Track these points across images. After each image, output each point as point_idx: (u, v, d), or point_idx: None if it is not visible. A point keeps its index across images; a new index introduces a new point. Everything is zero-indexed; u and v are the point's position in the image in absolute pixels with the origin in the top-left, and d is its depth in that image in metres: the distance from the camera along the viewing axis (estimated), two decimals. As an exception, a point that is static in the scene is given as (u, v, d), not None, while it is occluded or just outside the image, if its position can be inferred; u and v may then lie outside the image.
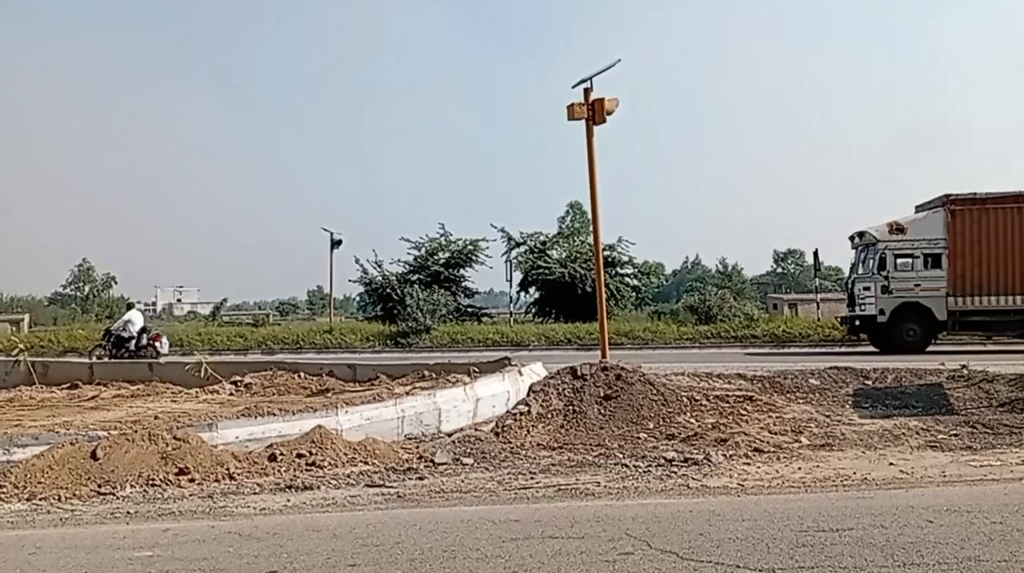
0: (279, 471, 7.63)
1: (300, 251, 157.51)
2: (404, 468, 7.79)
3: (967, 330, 22.01)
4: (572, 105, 11.68)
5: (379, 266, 37.06)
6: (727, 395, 10.43)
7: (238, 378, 14.00)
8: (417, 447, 8.77)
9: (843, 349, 24.99)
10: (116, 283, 79.63)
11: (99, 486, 7.06)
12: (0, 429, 8.94)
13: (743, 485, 6.95)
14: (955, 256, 21.23)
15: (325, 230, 37.66)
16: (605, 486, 6.97)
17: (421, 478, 7.43)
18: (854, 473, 7.26)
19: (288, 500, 6.76)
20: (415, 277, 36.73)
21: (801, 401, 10.82)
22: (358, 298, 44.78)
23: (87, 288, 78.82)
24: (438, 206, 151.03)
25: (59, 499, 6.81)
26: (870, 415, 10.01)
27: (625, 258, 39.50)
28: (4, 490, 6.95)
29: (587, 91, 11.71)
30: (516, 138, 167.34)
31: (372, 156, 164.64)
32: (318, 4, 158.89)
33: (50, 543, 5.55)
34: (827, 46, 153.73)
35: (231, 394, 13.08)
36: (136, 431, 7.95)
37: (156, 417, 9.67)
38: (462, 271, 39.07)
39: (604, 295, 13.04)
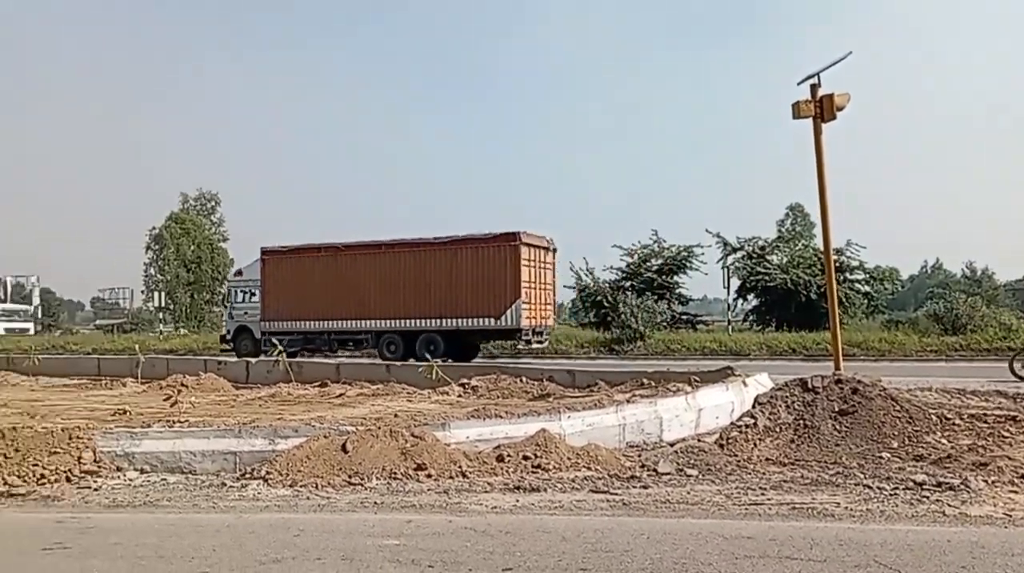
0: (507, 471, 7.91)
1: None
2: (627, 476, 7.78)
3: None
4: (798, 103, 11.05)
5: (591, 273, 37.35)
6: (985, 414, 9.39)
7: (465, 381, 14.73)
8: (639, 455, 8.72)
9: None
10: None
11: (349, 477, 7.72)
12: (266, 421, 10.03)
13: (1010, 515, 6.20)
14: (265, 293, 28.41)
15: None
16: (846, 508, 6.52)
17: (645, 487, 7.38)
18: None
19: (517, 500, 6.98)
20: (628, 284, 36.58)
21: (1078, 424, 9.48)
22: (570, 304, 45.29)
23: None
24: (650, 212, 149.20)
25: (316, 487, 7.53)
26: None
27: (855, 263, 36.77)
28: (271, 476, 7.81)
29: (814, 87, 11.05)
30: (729, 140, 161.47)
31: (582, 163, 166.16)
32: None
33: (310, 527, 6.14)
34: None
35: (459, 396, 13.79)
36: (379, 428, 8.60)
37: (395, 415, 10.41)
38: (676, 278, 38.35)
39: (836, 302, 12.21)
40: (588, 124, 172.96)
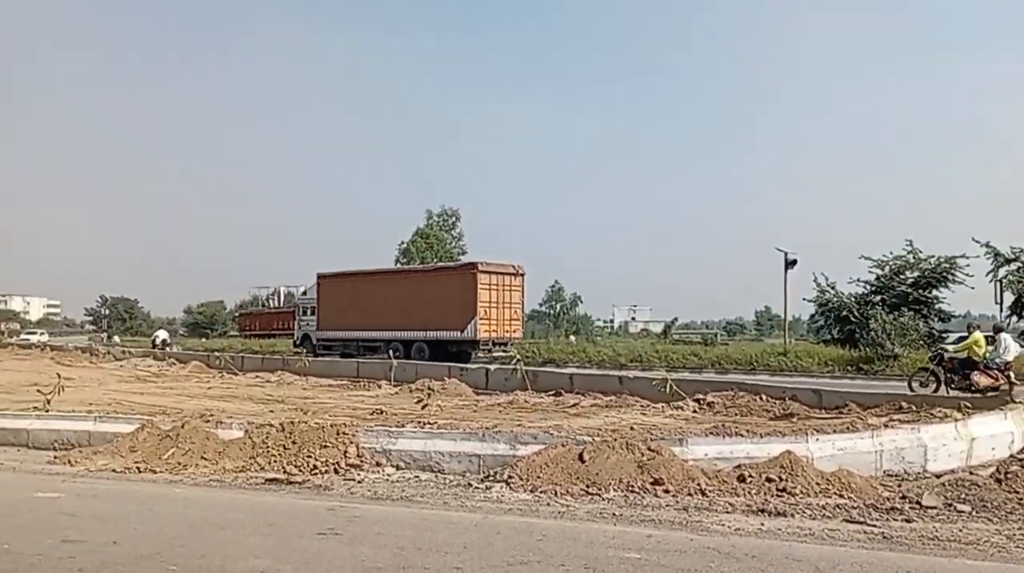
0: (749, 493, 7.59)
1: (747, 271, 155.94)
2: (886, 507, 7.15)
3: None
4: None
5: (832, 287, 34.84)
6: None
7: (700, 396, 14.37)
8: (899, 486, 7.99)
9: None
10: (582, 302, 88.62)
11: (587, 486, 7.81)
12: (506, 427, 10.44)
13: None
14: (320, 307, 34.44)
15: (779, 250, 36.74)
16: None
17: (908, 521, 6.74)
18: None
19: (762, 524, 6.67)
20: (877, 298, 33.66)
21: None
22: (809, 319, 42.58)
23: (558, 306, 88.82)
24: (901, 221, 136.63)
25: (555, 494, 7.71)
26: None
27: None
28: (513, 480, 8.10)
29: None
30: (984, 140, 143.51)
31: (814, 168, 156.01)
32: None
33: (552, 533, 6.28)
34: None
35: (694, 411, 13.48)
36: (615, 439, 8.63)
37: (631, 428, 10.40)
38: (935, 292, 34.65)
39: None
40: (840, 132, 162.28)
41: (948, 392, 16.03)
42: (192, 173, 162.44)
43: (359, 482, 8.46)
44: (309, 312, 35.69)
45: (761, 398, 13.99)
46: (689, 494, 7.59)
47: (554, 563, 5.40)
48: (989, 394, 14.70)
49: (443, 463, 8.98)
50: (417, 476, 8.79)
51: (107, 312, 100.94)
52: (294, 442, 9.35)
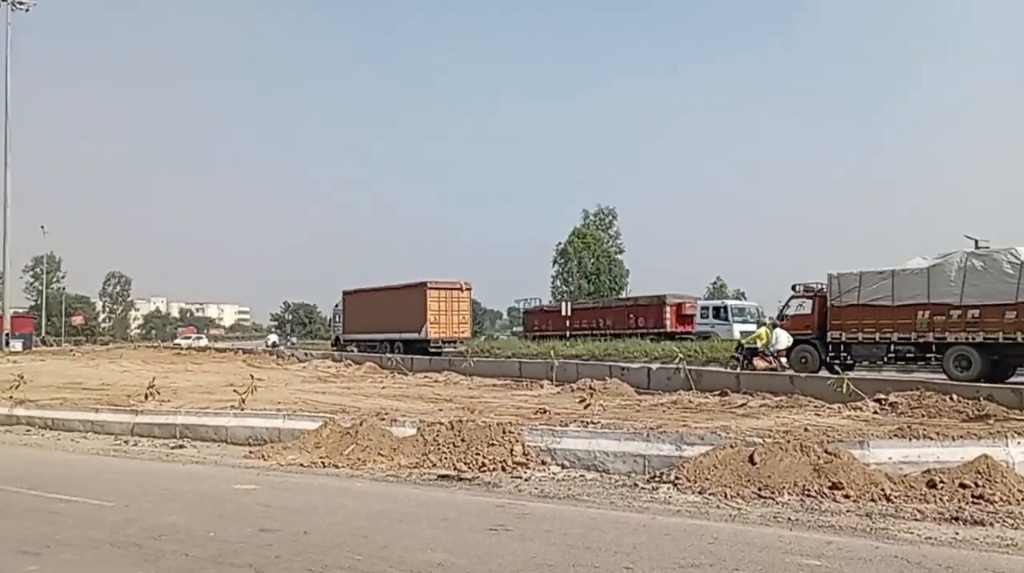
0: (940, 500, 7.05)
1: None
2: (1103, 518, 6.41)
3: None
4: None
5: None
6: None
7: (881, 396, 13.48)
8: (1118, 495, 7.12)
9: None
10: (745, 299, 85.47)
11: (759, 489, 7.55)
12: (671, 427, 10.27)
13: None
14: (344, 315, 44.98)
15: (968, 237, 33.79)
16: None
17: None
18: None
19: (956, 533, 6.18)
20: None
21: None
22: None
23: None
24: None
25: (725, 496, 7.50)
26: None
27: None
28: (680, 482, 7.97)
29: None
30: None
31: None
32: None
33: (724, 536, 6.12)
34: None
35: (875, 412, 12.66)
36: (788, 441, 8.27)
37: (805, 429, 9.93)
38: None
39: None
40: None
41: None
42: (357, 184, 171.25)
43: (526, 480, 8.62)
44: (338, 318, 46.16)
45: (951, 398, 12.91)
46: (872, 500, 7.15)
47: (727, 567, 5.27)
48: (767, 373, 19.78)
49: (607, 463, 8.97)
50: (582, 475, 8.85)
51: (289, 317, 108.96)
52: (463, 440, 9.67)
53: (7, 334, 50.09)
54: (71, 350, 49.58)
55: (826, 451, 7.92)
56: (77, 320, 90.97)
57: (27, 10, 50.39)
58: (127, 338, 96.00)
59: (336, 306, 47.31)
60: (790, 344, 21.47)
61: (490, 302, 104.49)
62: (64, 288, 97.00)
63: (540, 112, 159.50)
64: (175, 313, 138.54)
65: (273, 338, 62.03)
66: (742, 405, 14.22)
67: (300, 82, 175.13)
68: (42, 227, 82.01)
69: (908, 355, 20.12)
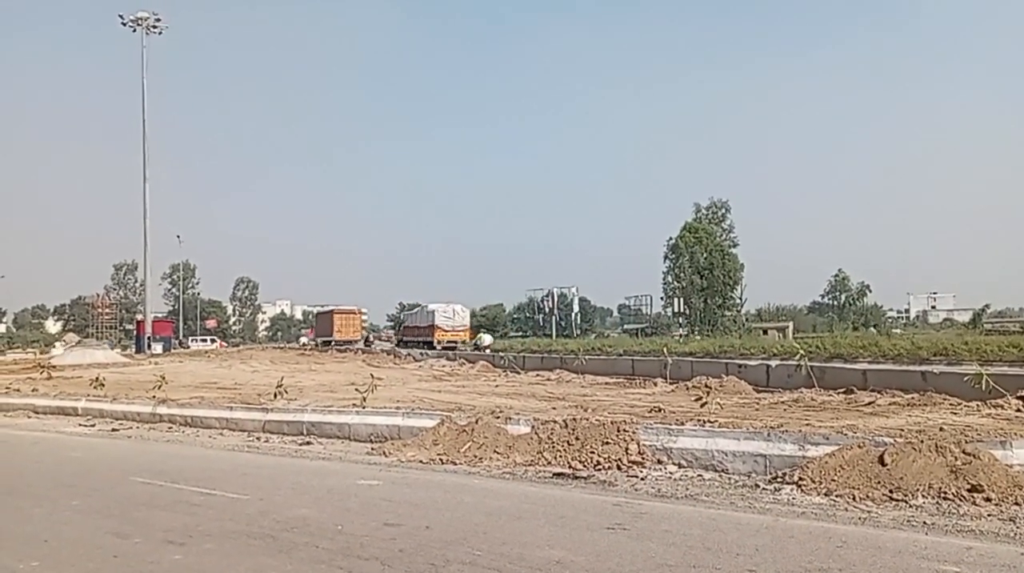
0: (1095, 505, 6.52)
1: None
2: None
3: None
4: None
5: None
6: None
7: (1024, 393, 12.57)
8: None
9: None
10: (870, 292, 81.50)
11: (890, 492, 7.20)
12: (793, 426, 9.92)
13: None
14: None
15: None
16: None
17: None
18: None
19: (1116, 542, 5.70)
20: None
21: None
22: None
23: (843, 297, 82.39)
24: None
25: (853, 498, 7.20)
26: None
27: None
28: (804, 483, 7.70)
29: None
30: None
31: None
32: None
33: (853, 540, 5.87)
34: None
35: (1017, 410, 11.81)
36: (922, 441, 7.84)
37: (940, 428, 9.38)
38: None
39: None
40: None
41: None
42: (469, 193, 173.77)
43: (642, 479, 8.55)
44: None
45: (1106, 395, 11.92)
46: (1016, 503, 6.71)
47: (858, 572, 5.06)
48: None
49: (726, 462, 8.78)
50: (700, 475, 8.69)
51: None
52: (577, 438, 9.69)
53: (148, 337, 53.94)
54: (206, 352, 52.77)
55: (964, 452, 7.47)
56: (210, 323, 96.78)
57: (160, 33, 54.46)
58: (255, 340, 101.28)
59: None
60: None
61: (600, 300, 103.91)
62: (199, 293, 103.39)
63: (648, 103, 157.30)
64: (298, 315, 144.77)
65: (304, 339, 77.41)
66: (869, 403, 13.58)
67: (428, 90, 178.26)
68: (178, 237, 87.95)
69: None
